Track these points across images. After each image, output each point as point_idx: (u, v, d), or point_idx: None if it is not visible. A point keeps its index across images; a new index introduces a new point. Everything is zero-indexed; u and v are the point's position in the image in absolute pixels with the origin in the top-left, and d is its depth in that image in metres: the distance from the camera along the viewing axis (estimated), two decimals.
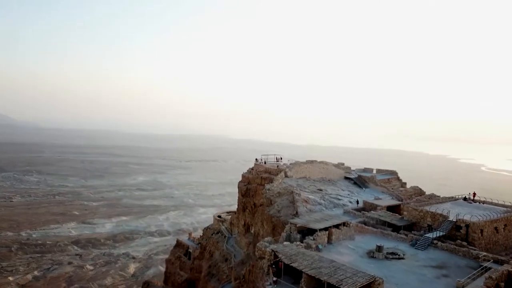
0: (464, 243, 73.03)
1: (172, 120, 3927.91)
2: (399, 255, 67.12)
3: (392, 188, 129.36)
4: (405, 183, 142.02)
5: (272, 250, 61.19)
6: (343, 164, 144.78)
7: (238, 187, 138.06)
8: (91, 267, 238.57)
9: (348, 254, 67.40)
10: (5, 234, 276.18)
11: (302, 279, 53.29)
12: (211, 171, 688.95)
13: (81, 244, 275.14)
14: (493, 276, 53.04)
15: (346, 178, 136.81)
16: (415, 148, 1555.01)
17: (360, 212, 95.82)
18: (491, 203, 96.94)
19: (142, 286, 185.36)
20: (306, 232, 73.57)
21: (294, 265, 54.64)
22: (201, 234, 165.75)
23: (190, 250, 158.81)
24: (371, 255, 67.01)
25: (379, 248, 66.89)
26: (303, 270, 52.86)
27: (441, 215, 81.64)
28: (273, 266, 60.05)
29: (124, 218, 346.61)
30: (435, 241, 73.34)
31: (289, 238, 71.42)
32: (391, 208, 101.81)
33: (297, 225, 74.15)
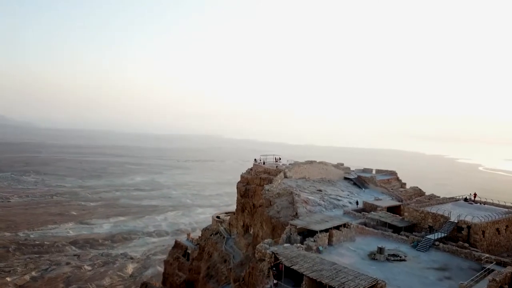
0: (466, 245, 72.34)
1: (172, 120, 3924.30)
2: (400, 257, 66.38)
3: (392, 189, 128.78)
4: (404, 184, 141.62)
5: (273, 252, 60.48)
6: (342, 164, 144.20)
7: (237, 188, 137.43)
8: (89, 268, 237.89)
9: (349, 256, 66.63)
10: (2, 235, 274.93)
11: (303, 282, 52.50)
12: (209, 171, 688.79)
13: (79, 244, 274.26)
14: (497, 279, 52.46)
15: (345, 178, 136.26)
16: (412, 148, 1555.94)
17: (360, 213, 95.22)
18: (492, 204, 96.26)
19: (140, 287, 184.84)
20: (306, 233, 72.66)
21: (295, 267, 53.91)
22: (200, 235, 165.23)
23: (189, 251, 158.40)
24: (372, 257, 66.25)
25: (381, 250, 66.13)
26: (304, 273, 52.12)
27: (442, 216, 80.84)
28: (274, 268, 59.29)
29: (122, 218, 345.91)
30: (436, 243, 72.53)
31: (289, 240, 70.60)
32: (391, 209, 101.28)
33: (297, 227, 73.23)
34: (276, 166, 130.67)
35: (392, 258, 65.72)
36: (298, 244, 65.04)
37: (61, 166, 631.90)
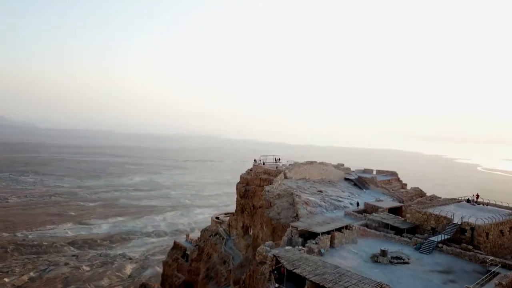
0: (470, 247, 71.37)
1: (172, 120, 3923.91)
2: (404, 260, 65.27)
3: (393, 190, 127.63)
4: (405, 184, 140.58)
5: (274, 255, 59.43)
6: (342, 165, 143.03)
7: (237, 188, 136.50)
8: (88, 268, 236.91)
9: (351, 258, 65.58)
10: (0, 235, 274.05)
11: (306, 286, 51.49)
12: (208, 171, 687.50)
13: (77, 244, 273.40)
14: (503, 282, 51.55)
15: (346, 179, 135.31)
16: (411, 148, 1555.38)
17: (362, 214, 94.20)
18: (495, 205, 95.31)
19: None
20: (307, 235, 71.59)
21: (297, 271, 52.86)
22: (199, 236, 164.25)
23: (188, 252, 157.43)
24: (375, 259, 65.19)
25: (384, 253, 65.07)
26: (306, 277, 51.09)
27: (445, 217, 79.79)
28: (275, 272, 58.21)
29: (120, 218, 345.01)
30: (440, 245, 71.45)
31: (290, 242, 69.60)
32: (392, 210, 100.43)
33: (299, 229, 72.15)
34: (276, 167, 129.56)
35: (395, 261, 64.65)
36: (300, 247, 63.93)
37: (60, 166, 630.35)
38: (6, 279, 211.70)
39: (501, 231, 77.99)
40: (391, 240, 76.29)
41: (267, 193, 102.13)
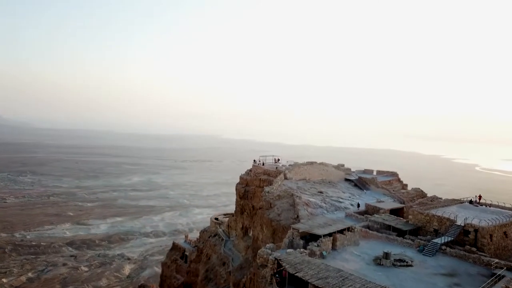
0: (474, 249, 70.30)
1: (172, 120, 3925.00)
2: (407, 262, 64.26)
3: (394, 190, 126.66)
4: (406, 185, 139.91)
5: (275, 258, 58.38)
6: (343, 165, 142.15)
7: (236, 189, 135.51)
8: (86, 268, 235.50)
9: (354, 261, 64.58)
10: None
11: None
12: (206, 171, 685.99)
13: (75, 245, 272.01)
14: (510, 286, 50.50)
15: (346, 180, 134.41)
16: (410, 148, 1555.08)
17: (363, 215, 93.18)
18: (498, 206, 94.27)
19: None
20: (309, 237, 70.59)
21: (299, 274, 51.83)
22: (198, 237, 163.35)
23: (187, 253, 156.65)
24: (378, 262, 64.15)
25: (387, 255, 64.00)
26: (309, 281, 50.07)
27: (448, 219, 78.83)
28: (277, 275, 57.17)
29: (119, 218, 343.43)
30: (443, 247, 70.50)
31: (291, 244, 68.55)
32: (394, 211, 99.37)
33: (300, 231, 71.05)
34: (276, 167, 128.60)
35: (399, 264, 63.63)
36: (302, 249, 62.93)
37: (58, 166, 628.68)
38: (4, 280, 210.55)
39: (504, 232, 76.98)
40: (393, 242, 75.34)
41: (267, 194, 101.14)
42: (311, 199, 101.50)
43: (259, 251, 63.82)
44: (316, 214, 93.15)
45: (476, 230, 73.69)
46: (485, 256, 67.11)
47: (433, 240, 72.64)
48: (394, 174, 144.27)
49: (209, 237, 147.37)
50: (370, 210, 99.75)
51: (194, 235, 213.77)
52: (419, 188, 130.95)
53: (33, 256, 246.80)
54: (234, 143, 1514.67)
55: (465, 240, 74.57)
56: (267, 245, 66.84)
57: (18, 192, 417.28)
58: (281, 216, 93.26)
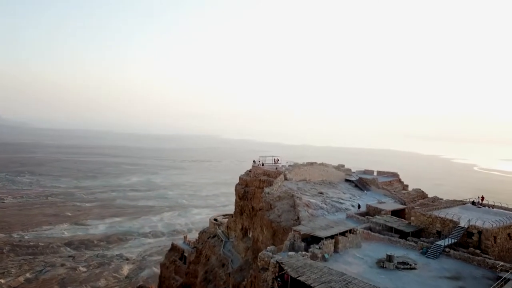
0: (477, 251, 69.12)
1: (172, 120, 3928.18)
2: (410, 265, 63.08)
3: (394, 191, 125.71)
4: (406, 185, 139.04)
5: (277, 262, 57.25)
6: (343, 166, 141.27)
7: (235, 190, 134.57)
8: (84, 269, 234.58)
9: (356, 264, 63.42)
10: None
11: None
12: (205, 171, 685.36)
13: (74, 245, 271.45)
14: None
15: (346, 180, 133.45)
16: (409, 148, 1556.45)
17: (364, 217, 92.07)
18: (501, 207, 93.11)
19: None
20: (310, 240, 69.53)
21: (301, 278, 50.59)
22: (197, 238, 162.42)
23: (186, 254, 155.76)
24: (381, 265, 62.99)
25: (390, 258, 62.84)
26: (311, 285, 48.82)
27: (451, 221, 77.60)
28: (278, 279, 56.04)
29: (117, 219, 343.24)
30: (447, 249, 69.20)
31: (292, 247, 67.47)
32: (395, 213, 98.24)
33: (301, 233, 69.93)
34: (276, 168, 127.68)
35: (402, 266, 62.47)
36: (303, 252, 61.81)
37: (57, 166, 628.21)
38: (2, 280, 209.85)
39: (508, 234, 75.74)
40: (396, 244, 74.22)
41: (267, 195, 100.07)
42: (311, 200, 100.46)
43: (260, 254, 62.80)
44: (316, 216, 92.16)
45: (480, 232, 72.53)
46: (490, 258, 65.92)
47: (436, 242, 71.40)
48: (394, 175, 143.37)
49: (208, 238, 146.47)
50: (371, 211, 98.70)
51: (193, 236, 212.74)
52: (420, 189, 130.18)
53: (31, 257, 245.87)
54: (234, 143, 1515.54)
55: (469, 242, 73.40)
56: (268, 247, 65.75)
57: (16, 192, 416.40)
58: (282, 217, 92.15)
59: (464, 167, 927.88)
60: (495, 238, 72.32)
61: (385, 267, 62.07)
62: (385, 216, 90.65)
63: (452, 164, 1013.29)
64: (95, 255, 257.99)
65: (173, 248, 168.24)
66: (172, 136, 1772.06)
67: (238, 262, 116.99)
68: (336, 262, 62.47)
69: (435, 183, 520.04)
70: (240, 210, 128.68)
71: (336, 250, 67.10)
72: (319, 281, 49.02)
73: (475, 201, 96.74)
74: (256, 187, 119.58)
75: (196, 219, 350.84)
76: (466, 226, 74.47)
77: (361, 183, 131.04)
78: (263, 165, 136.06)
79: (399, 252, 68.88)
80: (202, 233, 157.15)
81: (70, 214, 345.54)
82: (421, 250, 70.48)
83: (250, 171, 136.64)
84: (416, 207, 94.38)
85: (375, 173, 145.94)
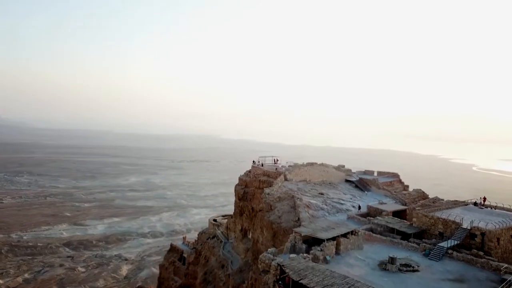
0: (481, 253, 68.25)
1: (172, 120, 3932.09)
2: (413, 267, 62.17)
3: (395, 192, 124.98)
4: (407, 186, 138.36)
5: (278, 264, 56.34)
6: (343, 166, 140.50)
7: (235, 190, 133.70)
8: (83, 269, 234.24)
9: (358, 266, 62.55)
10: None
11: None
12: (204, 171, 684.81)
13: (72, 246, 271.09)
14: None
15: (347, 181, 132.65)
16: (408, 148, 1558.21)
17: (365, 218, 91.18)
18: (503, 208, 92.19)
19: None
20: (311, 241, 68.56)
21: (303, 282, 49.68)
22: (196, 238, 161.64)
23: (185, 255, 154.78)
24: (383, 267, 62.08)
25: (392, 260, 61.94)
26: None
27: (453, 222, 76.66)
28: (280, 282, 55.16)
29: (116, 219, 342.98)
30: (450, 251, 68.32)
31: (293, 249, 66.59)
32: (396, 213, 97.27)
33: (302, 234, 68.99)
34: (276, 168, 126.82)
35: (405, 269, 61.56)
36: (305, 254, 60.86)
37: (55, 166, 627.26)
38: (0, 281, 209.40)
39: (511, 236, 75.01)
40: (398, 246, 73.36)
41: (267, 196, 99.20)
42: (312, 201, 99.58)
43: (260, 256, 61.94)
44: (317, 216, 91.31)
45: (483, 234, 71.63)
46: (494, 260, 65.01)
47: (439, 244, 70.44)
48: (395, 175, 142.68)
49: (207, 239, 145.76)
50: (372, 212, 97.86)
51: (192, 236, 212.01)
52: (420, 189, 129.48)
53: (29, 257, 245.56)
54: (233, 143, 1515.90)
55: (472, 244, 72.49)
56: (269, 249, 64.90)
57: (14, 193, 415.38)
58: (282, 218, 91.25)
59: (462, 167, 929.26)
60: (498, 239, 71.49)
61: (388, 269, 61.21)
62: (386, 217, 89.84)
63: (451, 164, 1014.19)
64: (94, 256, 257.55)
65: (172, 249, 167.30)
66: (172, 136, 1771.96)
67: (237, 263, 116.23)
68: (338, 264, 61.66)
69: (434, 183, 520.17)
70: (239, 211, 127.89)
71: (337, 252, 66.26)
72: (322, 284, 48.15)
73: (477, 202, 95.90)
74: (256, 188, 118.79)
75: (195, 219, 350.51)
76: (468, 228, 73.61)
77: (361, 183, 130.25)
78: (262, 165, 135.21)
79: (401, 254, 68.01)
80: (201, 234, 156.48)
81: (68, 214, 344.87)
82: (423, 252, 69.59)
83: (249, 171, 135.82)
84: (417, 208, 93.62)
85: (375, 174, 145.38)
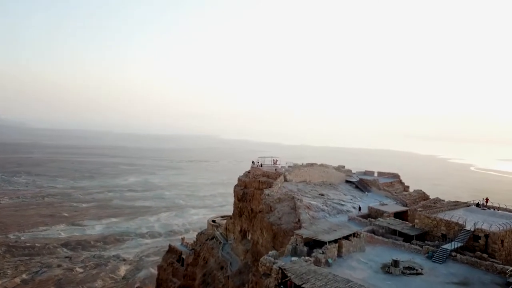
0: (485, 255, 67.08)
1: (172, 120, 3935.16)
2: (417, 270, 61.00)
3: (396, 192, 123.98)
4: (407, 187, 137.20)
5: (280, 268, 55.15)
6: (343, 166, 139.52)
7: (234, 191, 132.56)
8: (81, 270, 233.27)
9: (361, 269, 61.38)
10: None
11: None
12: (203, 171, 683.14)
13: (70, 246, 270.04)
14: None
15: (347, 181, 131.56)
16: (406, 148, 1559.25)
17: (367, 219, 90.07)
18: (506, 210, 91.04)
19: None
20: (313, 243, 67.39)
21: (306, 286, 48.48)
22: (195, 239, 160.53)
23: (183, 256, 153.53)
24: (386, 270, 60.92)
25: (395, 263, 60.76)
26: None
27: (456, 223, 75.44)
28: (281, 286, 54.00)
29: (114, 219, 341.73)
30: (453, 253, 67.18)
31: (295, 251, 65.41)
32: (398, 215, 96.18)
33: (304, 237, 67.79)
34: (275, 169, 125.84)
35: (408, 272, 60.40)
36: (307, 257, 59.69)
37: (53, 166, 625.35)
38: None
39: None
40: (400, 248, 72.19)
41: (267, 197, 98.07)
42: (312, 202, 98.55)
43: (261, 259, 60.84)
44: (318, 218, 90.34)
45: (486, 236, 70.49)
46: (498, 263, 63.84)
47: (443, 246, 69.21)
48: (395, 176, 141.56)
49: (206, 240, 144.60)
50: (373, 214, 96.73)
51: (190, 236, 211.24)
52: (421, 190, 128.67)
53: (27, 258, 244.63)
54: (233, 143, 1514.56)
55: (475, 246, 71.39)
56: (270, 252, 63.79)
57: (12, 193, 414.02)
58: (282, 219, 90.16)
59: (461, 167, 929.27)
60: (502, 241, 70.35)
61: (391, 272, 60.07)
62: (388, 218, 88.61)
63: (449, 164, 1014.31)
64: (92, 256, 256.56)
65: (171, 250, 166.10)
66: (171, 136, 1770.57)
67: (237, 265, 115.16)
68: (340, 267, 60.52)
69: (433, 183, 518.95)
70: (239, 212, 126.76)
71: (339, 254, 65.07)
72: None
73: (479, 203, 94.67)
74: (255, 189, 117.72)
75: (194, 219, 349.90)
76: (472, 229, 72.41)
77: (361, 184, 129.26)
78: (261, 166, 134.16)
79: (404, 256, 66.86)
80: (200, 234, 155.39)
81: (66, 215, 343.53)
82: (426, 254, 68.44)
83: (249, 172, 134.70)
84: (418, 209, 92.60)
85: (375, 174, 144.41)
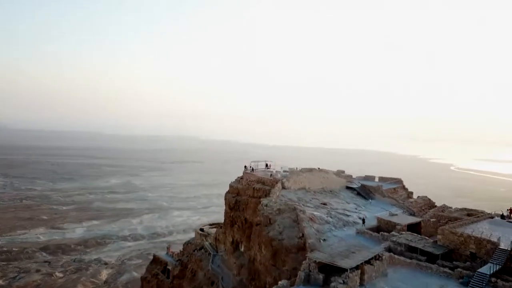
0: None
1: (171, 120, 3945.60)
2: None
3: (400, 199, 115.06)
4: (411, 193, 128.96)
5: None
6: (343, 171, 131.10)
7: (225, 199, 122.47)
8: (61, 275, 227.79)
9: None
10: None
11: None
12: (186, 172, 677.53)
13: (50, 250, 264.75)
14: None
15: (347, 187, 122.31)
16: (386, 148, 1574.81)
17: (378, 233, 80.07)
18: None
19: None
20: (328, 268, 57.24)
21: None
22: (181, 249, 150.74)
23: (169, 267, 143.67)
24: None
25: None
26: None
27: (488, 241, 65.36)
28: None
29: (95, 222, 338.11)
30: (493, 279, 57.15)
31: (308, 279, 55.29)
32: (411, 227, 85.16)
33: (317, 261, 57.53)
34: (270, 174, 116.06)
35: None
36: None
37: (32, 168, 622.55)
38: None
39: None
40: (427, 271, 62.02)
41: (265, 207, 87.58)
42: (315, 213, 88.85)
43: None
44: (323, 231, 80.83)
45: None
46: None
47: (479, 270, 58.67)
48: (398, 181, 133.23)
49: (194, 251, 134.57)
50: (383, 226, 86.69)
51: (174, 238, 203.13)
52: (426, 197, 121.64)
53: (4, 263, 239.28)
54: (221, 144, 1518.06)
55: None
56: (280, 282, 53.75)
57: None
58: (283, 234, 79.96)
59: (441, 167, 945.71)
60: None
61: None
62: (404, 233, 77.77)
63: (430, 164, 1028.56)
64: (72, 260, 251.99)
65: (155, 260, 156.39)
66: (162, 137, 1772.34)
67: (229, 280, 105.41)
68: None
69: (414, 183, 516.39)
70: (231, 221, 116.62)
71: (361, 282, 54.96)
72: None
73: (504, 214, 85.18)
74: (250, 197, 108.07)
75: (177, 221, 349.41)
76: (509, 249, 62.53)
77: (364, 191, 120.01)
78: (253, 170, 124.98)
79: (433, 282, 57.51)
80: (187, 244, 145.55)
81: (46, 218, 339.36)
82: (461, 280, 58.19)
83: (241, 178, 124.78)
84: (431, 220, 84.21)
85: (376, 179, 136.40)
